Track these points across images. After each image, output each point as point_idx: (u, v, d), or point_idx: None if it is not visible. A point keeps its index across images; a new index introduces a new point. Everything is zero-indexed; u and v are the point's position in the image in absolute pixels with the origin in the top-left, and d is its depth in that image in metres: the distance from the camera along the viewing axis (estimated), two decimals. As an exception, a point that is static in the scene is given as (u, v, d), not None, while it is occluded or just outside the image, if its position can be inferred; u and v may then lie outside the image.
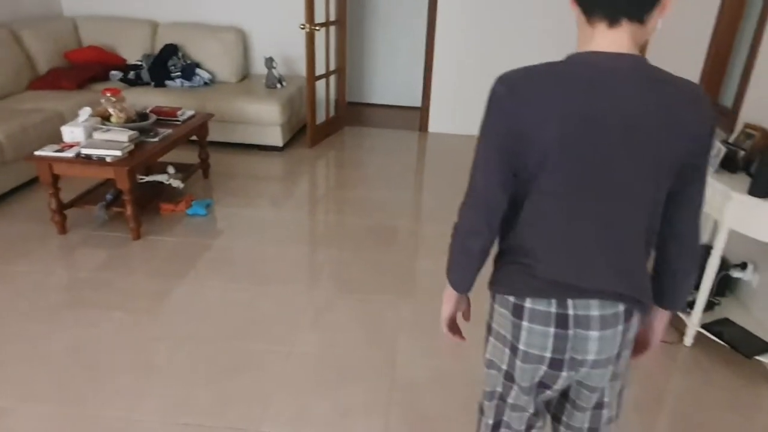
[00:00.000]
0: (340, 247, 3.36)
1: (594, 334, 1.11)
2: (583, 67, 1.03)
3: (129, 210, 3.18)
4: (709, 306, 2.64)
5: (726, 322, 2.56)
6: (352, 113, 6.21)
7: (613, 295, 1.10)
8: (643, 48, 4.21)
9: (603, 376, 1.17)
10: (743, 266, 2.64)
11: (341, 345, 2.48)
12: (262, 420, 2.06)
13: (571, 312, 1.10)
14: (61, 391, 2.15)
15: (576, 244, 1.09)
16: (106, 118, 3.37)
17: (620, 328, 1.13)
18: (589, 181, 1.05)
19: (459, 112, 5.74)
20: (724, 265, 2.65)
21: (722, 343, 2.45)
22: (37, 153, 3.09)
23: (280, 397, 2.17)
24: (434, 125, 5.82)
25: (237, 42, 5.11)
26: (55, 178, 3.13)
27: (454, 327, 1.35)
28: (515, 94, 1.04)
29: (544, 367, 1.15)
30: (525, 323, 1.13)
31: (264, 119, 4.68)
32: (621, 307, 1.12)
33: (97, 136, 3.19)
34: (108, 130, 3.22)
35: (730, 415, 2.19)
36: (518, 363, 1.18)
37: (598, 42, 1.03)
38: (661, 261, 1.22)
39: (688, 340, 2.58)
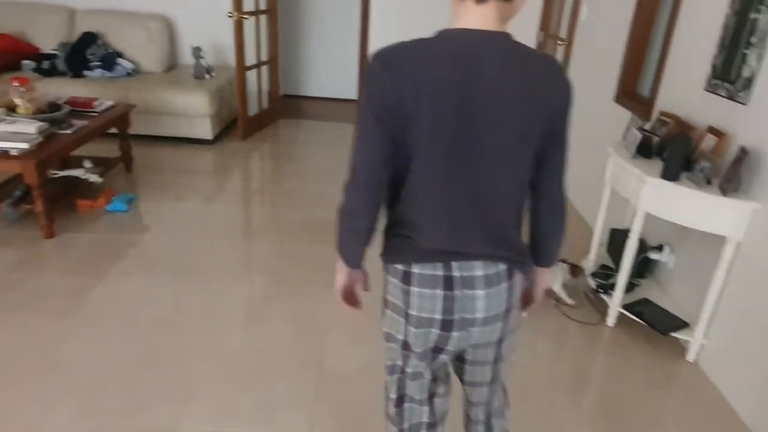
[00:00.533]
0: (272, 240, 3.28)
1: (480, 293, 1.17)
2: (452, 42, 1.08)
3: (39, 206, 2.98)
4: (630, 287, 2.74)
5: (645, 302, 2.66)
6: (287, 106, 6.09)
7: (494, 257, 1.18)
8: (570, 42, 4.33)
9: (494, 332, 1.24)
10: (660, 248, 2.75)
11: (268, 339, 2.41)
12: (182, 419, 1.96)
13: (456, 274, 1.16)
14: (-43, 401, 1.98)
15: (453, 213, 1.14)
16: (12, 109, 3.14)
17: (504, 285, 1.20)
18: (461, 152, 1.10)
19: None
20: (643, 247, 2.75)
21: (641, 322, 2.54)
22: (-67, 146, 2.84)
23: (202, 394, 2.08)
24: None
25: (162, 30, 4.90)
26: (-45, 173, 2.89)
27: (349, 297, 1.37)
28: (389, 70, 1.07)
29: (435, 330, 1.20)
30: (414, 288, 1.18)
31: (192, 111, 4.50)
32: (502, 267, 1.19)
33: (2, 128, 2.96)
34: (14, 122, 3.00)
35: (648, 389, 2.28)
36: (411, 329, 1.22)
37: (466, 18, 1.09)
38: (532, 222, 1.31)
39: (611, 320, 2.67)
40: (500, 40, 1.09)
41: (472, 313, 1.18)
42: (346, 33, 6.29)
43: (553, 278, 2.75)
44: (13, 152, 2.82)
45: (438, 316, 1.18)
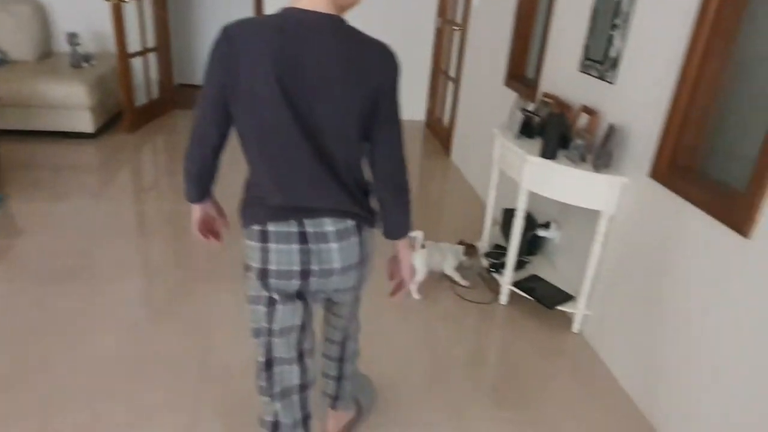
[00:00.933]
0: (162, 239, 3.08)
1: (334, 246, 1.31)
2: (290, 20, 1.18)
3: None
4: (521, 265, 2.82)
5: (534, 278, 2.75)
6: (183, 96, 5.79)
7: (340, 213, 1.30)
8: (464, 27, 4.39)
9: (351, 279, 1.39)
10: (547, 226, 2.84)
11: (148, 341, 2.25)
12: (45, 437, 1.79)
13: (309, 230, 1.29)
14: None
15: (296, 175, 1.25)
16: None
17: (355, 240, 1.34)
18: (298, 120, 1.20)
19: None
20: (532, 225, 2.84)
21: (530, 297, 2.62)
22: None
23: (68, 406, 1.90)
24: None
25: (33, 16, 4.48)
26: None
27: (203, 230, 1.53)
28: (227, 40, 1.18)
29: (296, 281, 1.33)
30: (272, 245, 1.30)
31: (69, 102, 4.15)
32: (350, 222, 1.33)
33: None
34: None
35: (539, 360, 2.35)
36: (272, 281, 1.33)
37: (301, 0, 1.21)
38: (375, 193, 1.39)
39: (503, 298, 2.73)
40: (330, 21, 1.20)
41: (330, 264, 1.32)
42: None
43: (443, 260, 2.78)
44: None
45: (296, 268, 1.31)
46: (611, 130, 2.21)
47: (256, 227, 1.30)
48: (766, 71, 1.71)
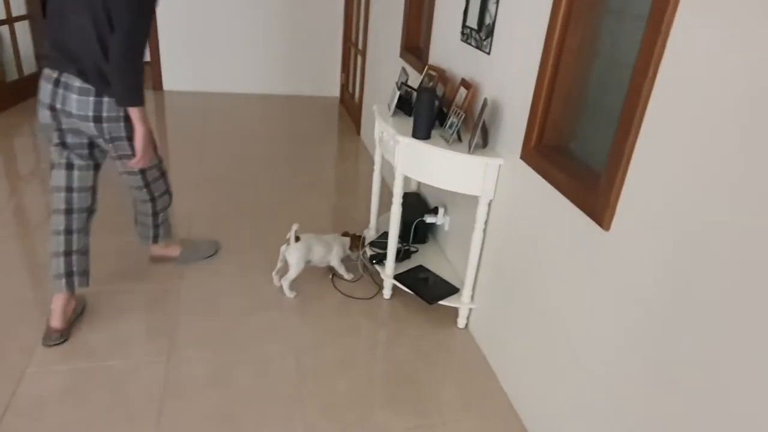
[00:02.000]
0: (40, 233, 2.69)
1: (74, 96, 1.86)
2: None
3: None
4: (407, 255, 2.59)
5: (419, 269, 2.52)
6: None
7: (82, 74, 1.83)
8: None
9: (89, 127, 1.91)
10: (435, 211, 2.62)
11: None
12: None
13: (63, 79, 1.86)
14: None
15: (61, 40, 1.84)
16: None
17: (91, 98, 1.86)
18: (63, 6, 1.81)
19: (196, 66, 5.17)
20: (421, 211, 2.60)
21: (410, 291, 2.39)
22: None
23: None
24: (169, 82, 5.18)
25: None
26: None
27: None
28: None
29: (47, 111, 1.90)
30: (42, 82, 1.89)
31: None
32: (91, 86, 1.85)
33: None
34: None
35: (417, 360, 2.13)
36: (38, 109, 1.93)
37: None
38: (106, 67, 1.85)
39: (387, 292, 2.50)
40: None
41: (69, 108, 1.87)
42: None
43: (328, 253, 2.51)
44: None
45: (47, 101, 1.88)
46: (484, 106, 1.97)
47: (46, 70, 1.89)
48: (632, 40, 1.49)
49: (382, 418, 1.86)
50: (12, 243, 2.63)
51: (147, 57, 5.33)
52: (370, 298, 2.50)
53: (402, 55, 3.21)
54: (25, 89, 4.38)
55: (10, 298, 2.26)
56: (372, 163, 4.03)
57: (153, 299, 2.33)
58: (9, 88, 4.21)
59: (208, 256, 2.66)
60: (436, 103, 2.09)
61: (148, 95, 4.99)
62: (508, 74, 1.95)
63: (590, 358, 1.51)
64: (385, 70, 3.64)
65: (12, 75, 4.26)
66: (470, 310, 2.33)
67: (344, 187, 3.72)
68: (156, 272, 2.52)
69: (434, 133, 2.15)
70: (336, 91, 5.53)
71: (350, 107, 5.03)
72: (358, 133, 4.62)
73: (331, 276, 2.61)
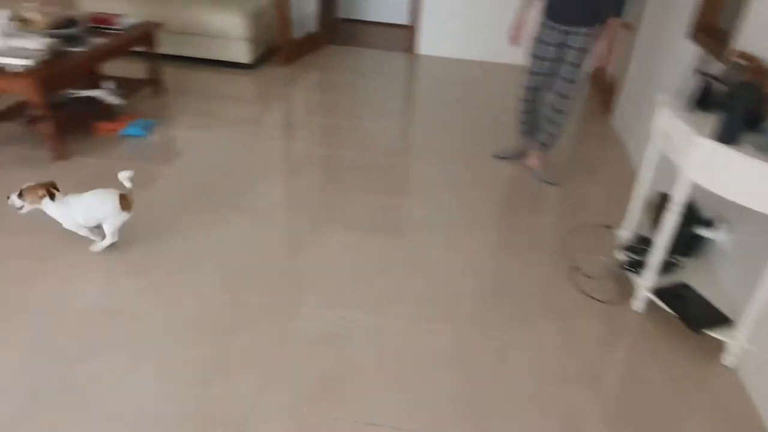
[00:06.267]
0: (313, 181, 3.06)
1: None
2: None
3: (47, 127, 2.92)
4: (668, 267, 2.28)
5: (683, 287, 2.21)
6: (339, 30, 5.71)
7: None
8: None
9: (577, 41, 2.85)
10: (710, 223, 2.24)
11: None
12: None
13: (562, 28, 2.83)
14: None
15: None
16: (26, 22, 3.06)
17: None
18: None
19: (455, 33, 5.20)
20: (690, 219, 2.26)
21: (671, 311, 2.11)
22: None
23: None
24: (425, 47, 5.31)
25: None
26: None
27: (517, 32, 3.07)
28: None
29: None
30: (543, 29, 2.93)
31: (227, 32, 4.28)
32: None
33: (13, 43, 2.88)
34: (22, 37, 2.91)
35: (669, 390, 1.90)
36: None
37: None
38: None
39: (639, 304, 2.25)
40: None
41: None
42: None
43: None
44: (16, 69, 2.74)
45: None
46: (828, 115, 1.57)
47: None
48: None
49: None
50: (281, 183, 2.99)
51: (406, 20, 5.59)
52: (612, 304, 2.28)
53: (693, 36, 2.77)
54: (306, 48, 4.91)
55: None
56: (622, 152, 3.64)
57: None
58: (295, 45, 4.75)
59: (547, 182, 3.20)
60: (758, 102, 1.73)
61: (401, 57, 5.22)
62: None
63: None
64: (663, 51, 3.20)
65: (300, 33, 4.78)
66: (743, 348, 1.97)
67: (582, 173, 3.42)
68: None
69: (743, 137, 1.80)
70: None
71: (601, 87, 4.60)
72: (607, 115, 4.21)
73: (570, 273, 2.44)
